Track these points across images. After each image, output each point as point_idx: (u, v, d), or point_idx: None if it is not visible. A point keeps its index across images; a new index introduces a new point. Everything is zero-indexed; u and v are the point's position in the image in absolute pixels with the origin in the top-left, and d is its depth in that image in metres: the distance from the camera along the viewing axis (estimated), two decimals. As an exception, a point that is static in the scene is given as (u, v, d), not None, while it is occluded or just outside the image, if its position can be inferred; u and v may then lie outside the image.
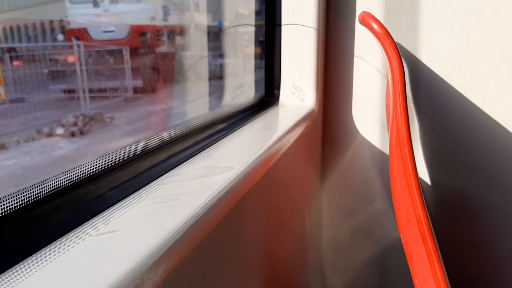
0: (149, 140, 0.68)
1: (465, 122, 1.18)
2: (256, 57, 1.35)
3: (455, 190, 1.23)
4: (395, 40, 1.19)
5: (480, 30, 1.13)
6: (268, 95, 1.23)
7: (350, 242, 1.38)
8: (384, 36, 0.61)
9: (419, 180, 0.65)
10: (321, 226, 1.39)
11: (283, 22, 1.18)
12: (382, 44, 0.62)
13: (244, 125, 1.01)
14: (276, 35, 1.19)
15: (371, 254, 1.35)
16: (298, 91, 1.20)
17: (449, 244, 1.26)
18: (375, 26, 0.61)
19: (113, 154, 0.59)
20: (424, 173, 1.24)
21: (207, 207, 0.54)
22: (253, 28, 1.35)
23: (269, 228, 0.89)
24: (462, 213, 1.24)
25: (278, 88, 1.22)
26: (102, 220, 0.48)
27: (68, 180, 0.52)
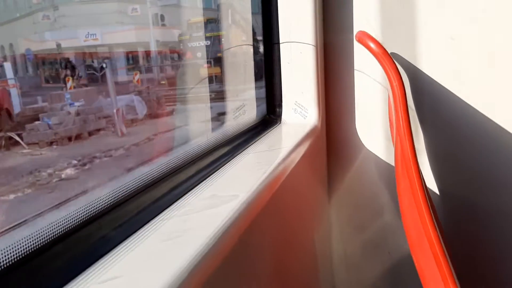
0: (151, 173, 0.67)
1: (470, 129, 1.17)
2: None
3: (464, 198, 1.21)
4: (394, 51, 1.18)
5: (478, 37, 1.12)
6: (270, 113, 1.22)
7: (362, 257, 1.36)
8: (383, 55, 0.60)
9: (427, 201, 0.64)
10: (331, 242, 1.37)
11: (281, 40, 1.17)
12: (381, 63, 0.61)
13: (248, 146, 1.00)
14: (275, 53, 1.19)
15: (383, 268, 1.33)
16: (300, 108, 1.19)
17: (461, 251, 1.23)
18: (372, 45, 0.60)
19: (114, 191, 0.58)
20: (431, 183, 1.22)
21: (212, 243, 0.53)
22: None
23: (279, 251, 0.87)
24: (473, 220, 1.22)
25: (280, 106, 1.21)
26: (105, 265, 0.47)
27: (68, 223, 0.51)
